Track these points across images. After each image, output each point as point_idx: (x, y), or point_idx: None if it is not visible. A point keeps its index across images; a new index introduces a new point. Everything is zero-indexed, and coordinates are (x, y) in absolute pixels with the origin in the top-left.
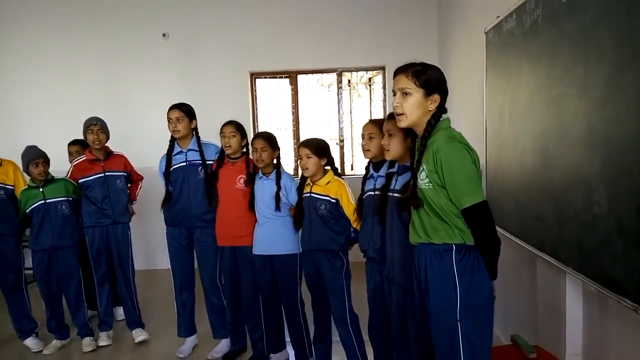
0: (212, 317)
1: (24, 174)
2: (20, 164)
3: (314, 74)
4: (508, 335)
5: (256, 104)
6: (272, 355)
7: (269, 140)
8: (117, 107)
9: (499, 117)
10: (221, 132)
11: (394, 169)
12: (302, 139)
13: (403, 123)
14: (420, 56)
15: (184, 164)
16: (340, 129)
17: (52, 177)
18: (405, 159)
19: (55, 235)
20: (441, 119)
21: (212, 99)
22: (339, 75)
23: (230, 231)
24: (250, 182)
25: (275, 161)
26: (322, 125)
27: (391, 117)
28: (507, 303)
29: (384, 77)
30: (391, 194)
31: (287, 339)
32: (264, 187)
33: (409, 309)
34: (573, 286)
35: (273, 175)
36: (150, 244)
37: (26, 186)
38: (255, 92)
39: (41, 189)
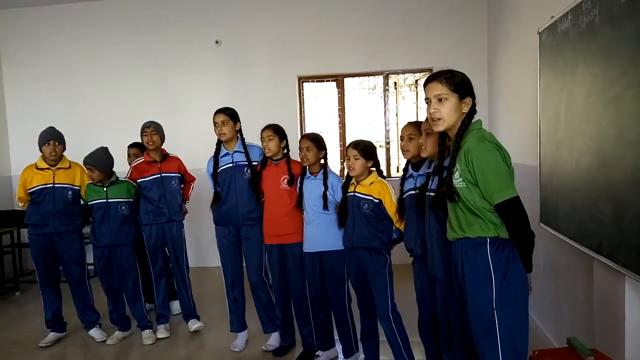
0: (260, 313)
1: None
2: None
3: (360, 77)
4: (563, 337)
5: (303, 107)
6: (320, 352)
7: (315, 140)
8: (174, 110)
9: (554, 118)
10: (260, 136)
11: (430, 170)
12: (348, 141)
13: (440, 127)
14: (469, 57)
15: (231, 165)
16: (387, 132)
17: (117, 178)
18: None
19: (113, 234)
20: (474, 121)
21: (261, 103)
22: (386, 78)
23: (277, 229)
24: (292, 182)
25: (322, 161)
26: (368, 127)
27: None
28: (562, 305)
29: None
30: (428, 193)
31: (336, 336)
32: (312, 187)
33: (451, 304)
34: (633, 289)
35: (320, 175)
36: (201, 243)
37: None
38: (303, 95)
39: (105, 189)
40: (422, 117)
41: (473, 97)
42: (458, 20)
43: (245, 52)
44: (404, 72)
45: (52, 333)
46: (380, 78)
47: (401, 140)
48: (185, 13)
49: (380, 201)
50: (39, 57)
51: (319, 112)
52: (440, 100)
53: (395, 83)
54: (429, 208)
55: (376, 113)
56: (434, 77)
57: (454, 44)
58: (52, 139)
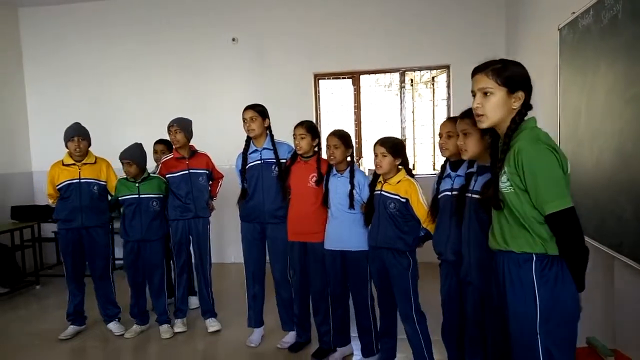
0: (281, 310)
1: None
2: (113, 163)
3: (377, 74)
4: (582, 337)
5: (319, 105)
6: (337, 348)
7: (342, 138)
8: (193, 108)
9: (574, 116)
10: (293, 133)
11: (473, 169)
12: (363, 139)
13: (484, 124)
14: (487, 53)
15: (259, 162)
16: (402, 129)
17: (149, 174)
18: (484, 157)
19: (144, 229)
20: (526, 118)
21: (277, 100)
22: (402, 75)
23: (301, 227)
24: (320, 182)
25: (348, 159)
26: (384, 125)
27: (464, 115)
28: (581, 305)
29: (448, 76)
30: (470, 194)
31: (353, 333)
32: (337, 184)
33: (487, 313)
34: None
35: (347, 173)
36: (222, 239)
37: (124, 177)
38: (319, 93)
39: (137, 184)
40: (439, 115)
41: (527, 90)
42: (476, 16)
43: (261, 50)
44: (420, 69)
45: (72, 326)
46: (397, 75)
47: (439, 137)
48: (201, 11)
49: (407, 200)
50: (60, 54)
51: (335, 109)
52: (485, 94)
53: (412, 80)
54: (470, 211)
55: (392, 110)
56: (480, 68)
57: (472, 40)
58: (76, 135)
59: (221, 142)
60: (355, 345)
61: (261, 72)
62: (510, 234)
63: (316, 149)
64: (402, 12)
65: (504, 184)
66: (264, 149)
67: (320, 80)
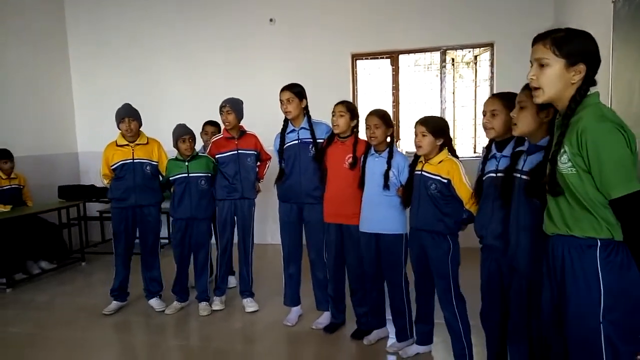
0: (316, 290)
1: (173, 149)
2: (163, 144)
3: (416, 54)
4: None
5: (356, 86)
6: (373, 330)
7: (383, 117)
8: (230, 88)
9: (628, 93)
10: (332, 111)
11: (523, 147)
12: (401, 120)
13: (539, 99)
14: (534, 30)
15: (296, 142)
16: (442, 110)
17: (197, 153)
18: (537, 136)
19: (193, 207)
20: (589, 94)
21: (314, 81)
22: (443, 54)
23: (336, 209)
24: (355, 165)
25: (388, 139)
26: (423, 106)
27: (527, 87)
28: None
29: (491, 55)
30: (518, 175)
31: (388, 316)
32: (375, 165)
33: (533, 302)
34: None
35: (385, 154)
36: (261, 219)
37: (174, 158)
38: (356, 73)
39: (186, 163)
40: (481, 96)
41: (590, 64)
42: None
43: (299, 30)
44: (462, 47)
45: (115, 302)
46: (437, 54)
47: (483, 115)
48: None
49: (449, 181)
50: (105, 36)
51: (372, 90)
52: (541, 65)
53: (453, 60)
54: (520, 192)
55: (431, 91)
56: (539, 37)
57: (518, 15)
58: (126, 116)
59: (258, 123)
60: (391, 329)
61: (298, 53)
62: (572, 217)
63: (354, 130)
64: None
65: (564, 164)
66: (302, 128)
67: (357, 61)
